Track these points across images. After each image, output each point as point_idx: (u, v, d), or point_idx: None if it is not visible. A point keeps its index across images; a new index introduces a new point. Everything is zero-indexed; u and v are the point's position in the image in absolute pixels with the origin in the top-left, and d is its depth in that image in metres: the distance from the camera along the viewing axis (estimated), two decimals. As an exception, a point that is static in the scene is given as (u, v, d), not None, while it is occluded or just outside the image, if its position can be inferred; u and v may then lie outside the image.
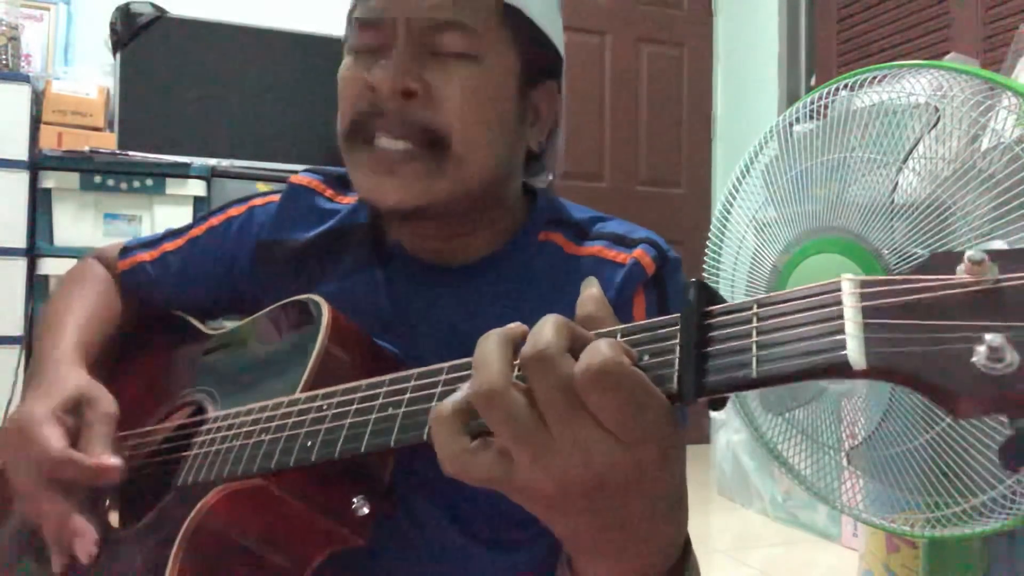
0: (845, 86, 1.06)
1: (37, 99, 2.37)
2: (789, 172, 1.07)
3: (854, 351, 0.33)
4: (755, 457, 2.69)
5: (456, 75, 0.64)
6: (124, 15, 2.44)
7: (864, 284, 0.35)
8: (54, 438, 0.62)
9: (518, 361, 0.39)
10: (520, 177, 0.75)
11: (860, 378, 0.33)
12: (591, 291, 0.45)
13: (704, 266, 1.21)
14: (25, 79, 2.29)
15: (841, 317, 0.34)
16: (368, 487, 0.59)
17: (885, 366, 0.33)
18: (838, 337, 0.34)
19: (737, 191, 1.18)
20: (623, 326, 0.42)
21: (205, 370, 0.75)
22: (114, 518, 0.68)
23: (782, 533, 2.55)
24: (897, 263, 0.94)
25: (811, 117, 1.10)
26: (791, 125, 1.12)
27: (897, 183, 0.96)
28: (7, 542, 0.73)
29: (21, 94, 2.25)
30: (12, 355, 2.15)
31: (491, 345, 0.41)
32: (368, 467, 0.59)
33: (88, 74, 2.57)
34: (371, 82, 0.64)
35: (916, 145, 0.96)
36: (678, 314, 0.40)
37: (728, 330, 0.38)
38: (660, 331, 0.41)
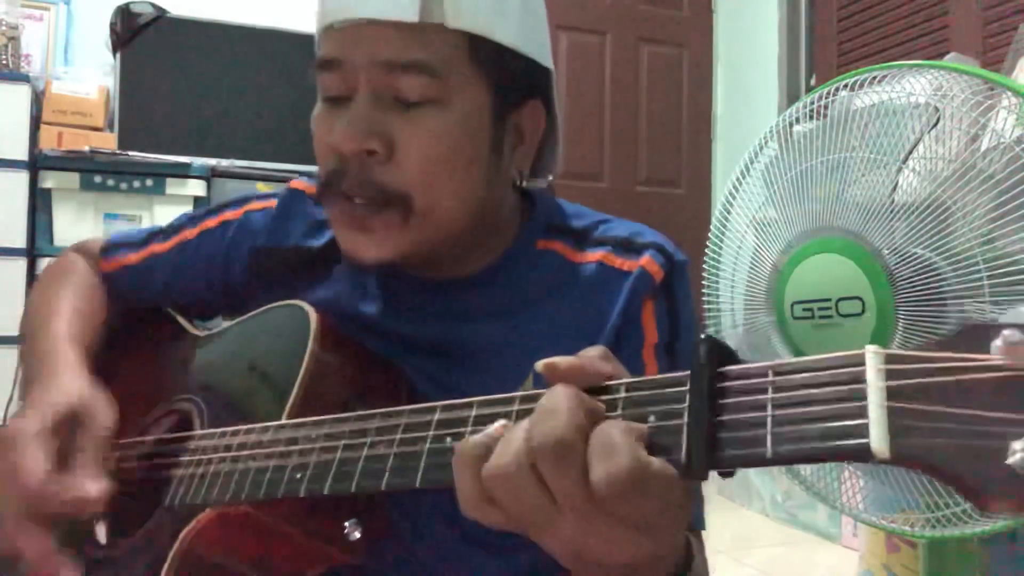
0: (845, 86, 1.05)
1: (37, 99, 2.37)
2: (789, 172, 1.07)
3: (877, 439, 0.31)
4: (755, 457, 2.69)
5: (420, 127, 0.62)
6: (124, 15, 2.44)
7: (889, 359, 0.32)
8: (38, 464, 0.58)
9: (534, 444, 0.36)
10: (509, 196, 0.73)
11: (882, 464, 0.32)
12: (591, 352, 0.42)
13: (704, 266, 1.21)
14: (25, 79, 2.29)
15: (864, 398, 0.32)
16: (361, 511, 0.57)
17: (910, 456, 0.31)
18: (860, 421, 0.32)
19: (737, 191, 1.18)
20: (628, 380, 0.40)
21: (191, 377, 0.73)
22: (101, 533, 0.67)
23: (782, 533, 2.55)
24: (897, 263, 0.94)
25: (811, 117, 1.10)
26: (791, 125, 1.12)
27: (897, 183, 0.96)
28: None
29: (21, 94, 2.24)
30: (12, 355, 2.14)
31: (563, 393, 0.38)
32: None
33: (88, 74, 2.56)
34: (334, 143, 0.63)
35: (916, 145, 0.96)
36: (687, 372, 0.37)
37: (741, 399, 0.36)
38: (668, 390, 0.38)
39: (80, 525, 0.63)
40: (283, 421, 0.57)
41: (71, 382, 0.67)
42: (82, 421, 0.63)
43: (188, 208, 2.34)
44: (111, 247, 0.85)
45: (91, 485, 0.59)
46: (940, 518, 0.95)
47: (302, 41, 2.57)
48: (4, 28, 2.45)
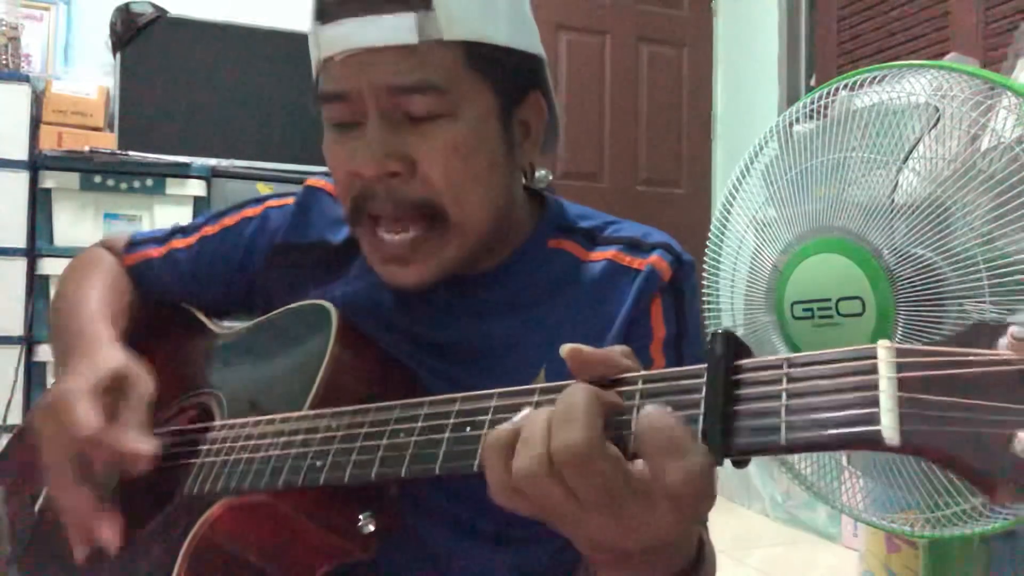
0: (845, 86, 1.06)
1: (37, 99, 2.37)
2: (789, 172, 1.07)
3: (888, 427, 0.32)
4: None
5: (435, 141, 0.63)
6: (124, 15, 2.44)
7: (900, 353, 0.34)
8: (91, 416, 0.59)
9: (552, 450, 0.37)
10: (521, 191, 0.74)
11: (892, 452, 0.33)
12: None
13: (704, 266, 1.21)
14: (25, 79, 2.29)
15: (876, 388, 0.33)
16: (375, 504, 0.58)
17: (920, 444, 0.32)
18: (872, 410, 0.33)
19: (737, 191, 1.18)
20: (645, 373, 0.41)
21: (212, 372, 0.74)
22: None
23: (782, 533, 2.55)
24: (897, 263, 0.94)
25: (811, 117, 1.10)
26: (791, 125, 1.12)
27: (897, 183, 0.96)
28: (27, 513, 0.72)
29: (21, 94, 2.24)
30: (12, 355, 2.15)
31: (582, 398, 0.38)
32: (376, 485, 0.59)
33: (88, 74, 2.56)
34: (355, 169, 0.64)
35: (916, 145, 0.96)
36: (704, 365, 0.38)
37: (756, 389, 0.37)
38: (684, 382, 0.39)
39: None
40: (304, 412, 0.58)
41: (110, 352, 0.68)
42: (125, 386, 0.64)
43: (188, 208, 2.35)
44: (134, 243, 0.87)
45: (143, 440, 0.60)
46: (940, 518, 0.95)
47: (302, 41, 2.56)
48: (4, 28, 2.45)
